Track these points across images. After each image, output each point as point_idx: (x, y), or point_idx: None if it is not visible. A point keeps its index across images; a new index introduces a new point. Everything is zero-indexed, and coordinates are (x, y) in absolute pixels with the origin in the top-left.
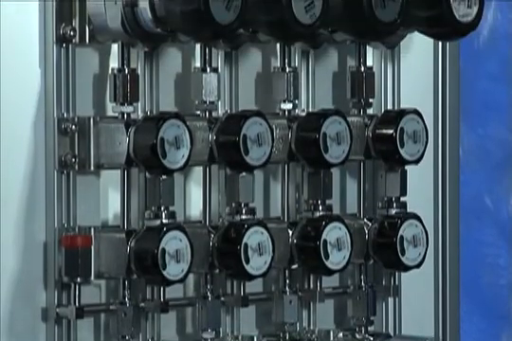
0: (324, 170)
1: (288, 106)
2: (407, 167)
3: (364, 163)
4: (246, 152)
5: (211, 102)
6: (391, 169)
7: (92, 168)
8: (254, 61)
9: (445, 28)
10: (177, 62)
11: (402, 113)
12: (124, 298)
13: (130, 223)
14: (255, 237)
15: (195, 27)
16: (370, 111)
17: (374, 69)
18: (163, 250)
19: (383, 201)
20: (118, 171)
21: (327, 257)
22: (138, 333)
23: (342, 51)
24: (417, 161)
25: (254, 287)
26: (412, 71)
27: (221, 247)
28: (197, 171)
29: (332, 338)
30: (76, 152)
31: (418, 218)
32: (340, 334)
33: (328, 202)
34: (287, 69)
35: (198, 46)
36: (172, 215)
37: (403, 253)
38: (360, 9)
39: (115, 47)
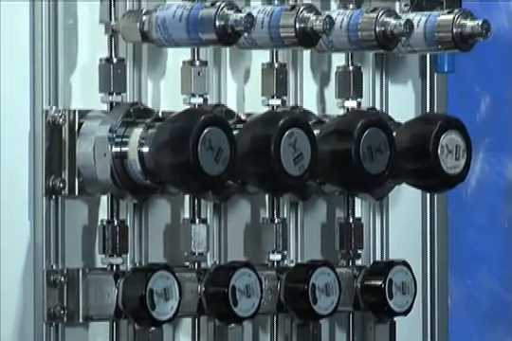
0: (313, 321)
1: (277, 257)
2: (396, 318)
3: (353, 314)
4: (235, 304)
5: (200, 254)
6: (380, 320)
7: (81, 320)
8: (243, 212)
9: (433, 180)
10: (166, 214)
11: (391, 264)
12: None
13: None
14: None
15: (185, 179)
16: (358, 262)
17: (363, 220)
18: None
19: None
20: (107, 323)
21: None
22: None
23: (331, 202)
24: (406, 312)
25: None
26: (401, 222)
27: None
28: (186, 323)
29: None
30: (65, 304)
31: None
32: None
33: None
34: (276, 220)
35: (187, 198)
36: None
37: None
38: (349, 162)
39: (104, 199)
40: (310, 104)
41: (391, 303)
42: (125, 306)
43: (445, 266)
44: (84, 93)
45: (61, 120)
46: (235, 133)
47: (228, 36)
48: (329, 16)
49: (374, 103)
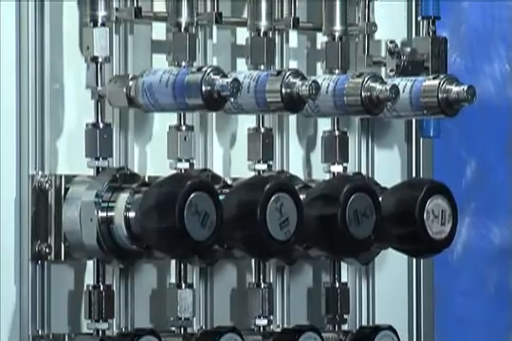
0: None
1: (263, 322)
2: None
3: None
4: None
5: (186, 318)
6: None
7: None
8: (229, 276)
9: (419, 246)
10: (152, 278)
11: (377, 329)
12: None
13: None
14: None
15: (171, 244)
16: (345, 327)
17: (349, 285)
18: None
19: None
20: None
21: None
22: None
23: (317, 267)
24: None
25: None
26: (387, 287)
27: None
28: None
29: None
30: None
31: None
32: None
33: None
34: (262, 285)
35: (173, 262)
36: None
37: None
38: (335, 227)
39: (90, 264)
40: (296, 169)
41: None
42: None
43: (431, 331)
44: (71, 158)
45: (47, 185)
46: (221, 197)
47: (215, 101)
48: (315, 81)
49: (360, 168)
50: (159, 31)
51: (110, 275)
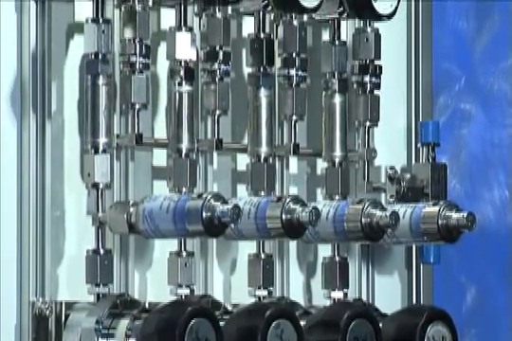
0: None
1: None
2: None
3: None
4: None
5: None
6: None
7: None
8: None
9: None
10: None
11: None
12: None
13: None
14: None
15: None
16: None
17: None
18: None
19: None
20: None
21: None
22: None
23: None
24: None
25: None
26: None
27: None
28: None
29: None
30: None
31: None
32: None
33: None
34: None
35: None
36: None
37: None
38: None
39: None
40: (296, 295)
41: None
42: None
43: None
44: (71, 284)
45: (47, 312)
46: (222, 323)
47: (215, 227)
48: (315, 208)
49: (360, 294)
50: (160, 157)
51: None
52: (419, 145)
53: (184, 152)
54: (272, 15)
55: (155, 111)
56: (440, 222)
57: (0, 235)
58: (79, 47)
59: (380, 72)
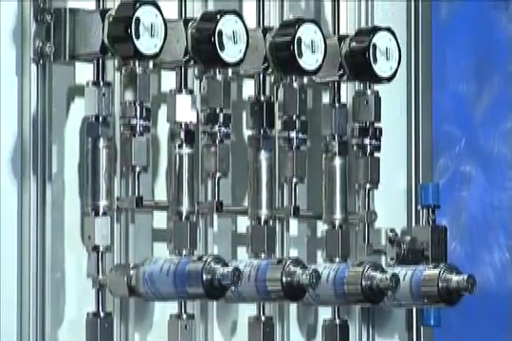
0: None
1: None
2: None
3: None
4: None
5: None
6: None
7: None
8: None
9: None
10: None
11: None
12: None
13: None
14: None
15: None
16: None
17: None
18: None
19: None
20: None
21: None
22: None
23: None
24: None
25: None
26: None
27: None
28: None
29: None
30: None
31: None
32: None
33: None
34: None
35: None
36: None
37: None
38: None
39: None
40: None
41: None
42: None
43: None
44: None
45: None
46: None
47: (216, 290)
48: (315, 270)
49: None
50: (160, 219)
51: None
52: (419, 207)
53: (184, 214)
54: (272, 78)
55: (156, 173)
56: (440, 284)
57: (0, 297)
58: (79, 110)
59: (380, 134)
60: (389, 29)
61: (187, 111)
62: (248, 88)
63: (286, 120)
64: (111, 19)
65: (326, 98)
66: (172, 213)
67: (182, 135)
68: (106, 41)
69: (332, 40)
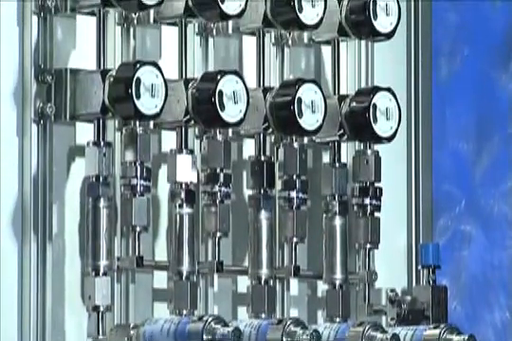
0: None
1: None
2: None
3: None
4: None
5: None
6: None
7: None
8: None
9: None
10: None
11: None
12: None
13: None
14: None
15: None
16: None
17: None
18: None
19: None
20: None
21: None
22: None
23: None
24: None
25: None
26: None
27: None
28: None
29: None
30: None
31: None
32: None
33: None
34: None
35: None
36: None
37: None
38: None
39: None
40: None
41: None
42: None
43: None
44: None
45: None
46: None
47: None
48: (316, 330)
49: None
50: (160, 279)
51: None
52: (420, 267)
53: (185, 274)
54: (273, 137)
55: (156, 233)
56: None
57: None
58: (80, 170)
59: (381, 194)
60: (389, 89)
61: (187, 171)
62: (249, 148)
63: (287, 180)
64: (112, 79)
65: (326, 158)
66: (172, 273)
67: (182, 195)
68: (107, 101)
69: (332, 100)
